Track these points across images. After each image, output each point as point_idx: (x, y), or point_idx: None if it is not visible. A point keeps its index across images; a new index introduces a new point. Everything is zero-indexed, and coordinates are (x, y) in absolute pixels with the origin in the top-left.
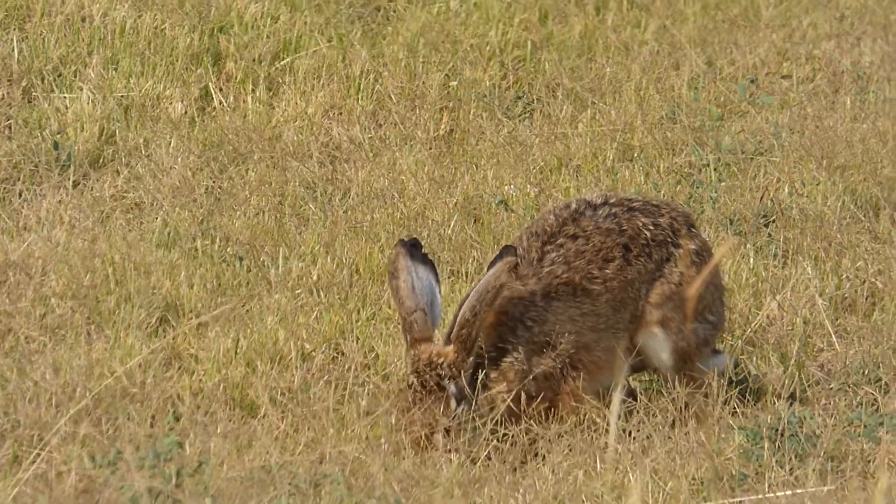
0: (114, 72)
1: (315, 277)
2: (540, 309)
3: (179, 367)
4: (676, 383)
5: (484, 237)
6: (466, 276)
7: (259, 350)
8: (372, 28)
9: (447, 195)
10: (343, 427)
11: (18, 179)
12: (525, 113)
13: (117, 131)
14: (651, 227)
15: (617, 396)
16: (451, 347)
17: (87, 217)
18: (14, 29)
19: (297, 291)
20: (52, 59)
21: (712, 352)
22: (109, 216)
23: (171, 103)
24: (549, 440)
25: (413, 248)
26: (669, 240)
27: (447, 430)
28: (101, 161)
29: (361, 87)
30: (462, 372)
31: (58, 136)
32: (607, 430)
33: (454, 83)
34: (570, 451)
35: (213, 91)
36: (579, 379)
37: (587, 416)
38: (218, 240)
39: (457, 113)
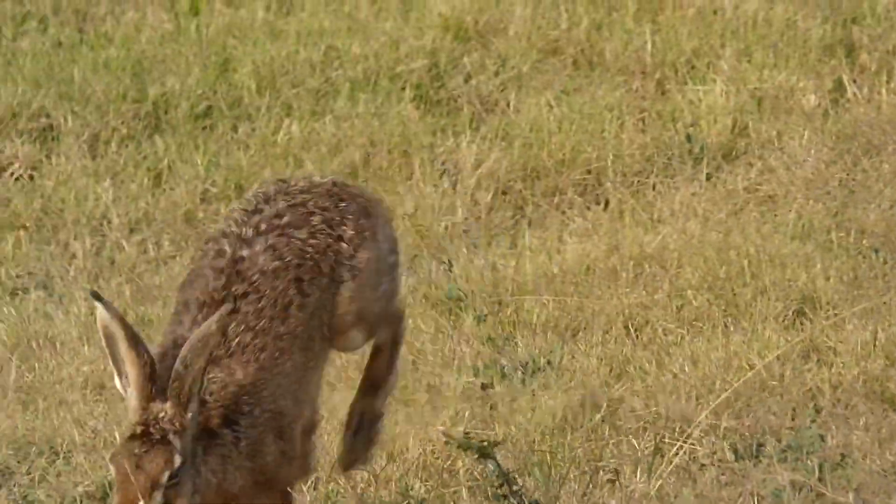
0: (747, 64)
1: None
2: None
3: (818, 360)
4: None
5: None
6: None
7: None
8: None
9: None
10: None
11: (652, 172)
12: None
13: (750, 123)
14: (311, 239)
15: None
16: (168, 403)
17: (721, 209)
18: (647, 21)
19: None
20: (685, 52)
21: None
22: (743, 208)
23: (804, 95)
24: None
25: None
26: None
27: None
28: (733, 153)
29: None
30: (184, 428)
31: (690, 128)
32: None
33: None
34: None
35: (846, 83)
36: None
37: None
38: (853, 232)
39: None
